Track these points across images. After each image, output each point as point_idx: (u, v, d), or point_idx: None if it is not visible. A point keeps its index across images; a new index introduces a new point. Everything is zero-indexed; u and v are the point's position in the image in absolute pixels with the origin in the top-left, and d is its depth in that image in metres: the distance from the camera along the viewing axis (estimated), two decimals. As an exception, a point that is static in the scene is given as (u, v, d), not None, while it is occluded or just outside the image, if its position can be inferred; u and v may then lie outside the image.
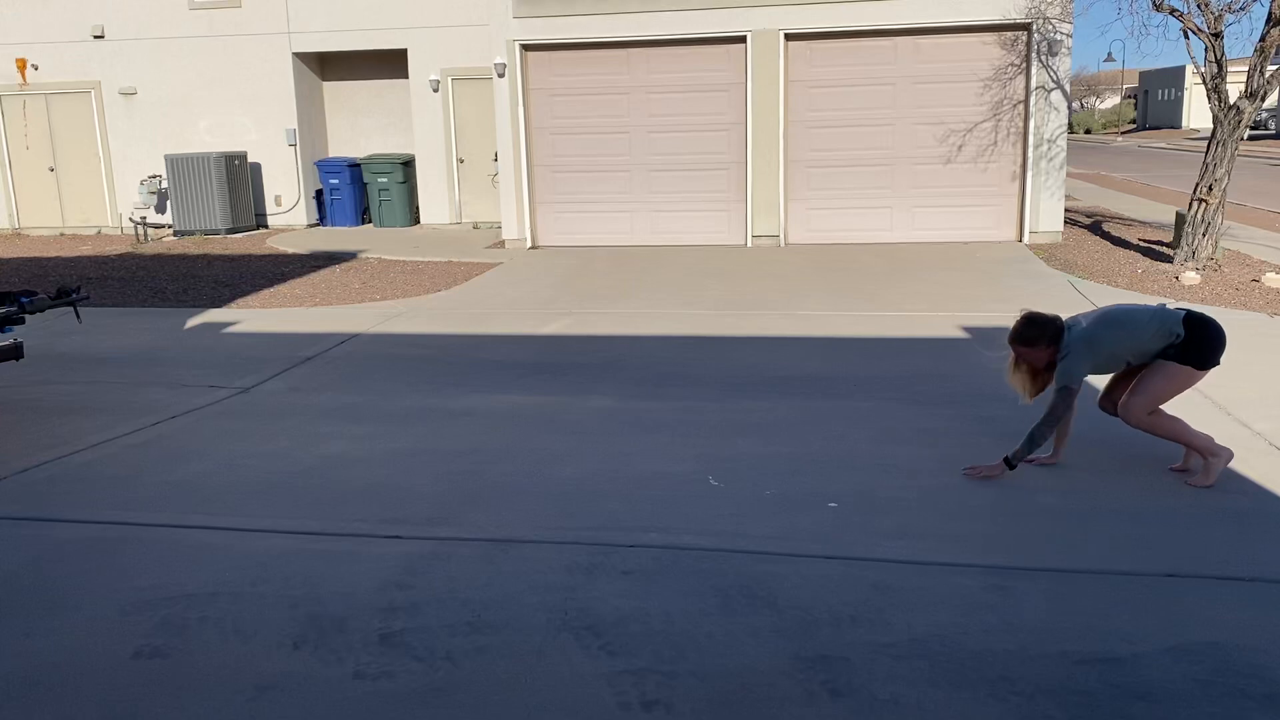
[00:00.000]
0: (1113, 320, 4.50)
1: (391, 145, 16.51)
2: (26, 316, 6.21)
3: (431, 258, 12.38)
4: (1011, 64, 11.92)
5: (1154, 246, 11.47)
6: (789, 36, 12.17)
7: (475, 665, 3.10)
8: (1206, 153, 10.04)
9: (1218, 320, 4.55)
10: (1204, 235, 9.88)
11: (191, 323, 8.99)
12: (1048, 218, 12.09)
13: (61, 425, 5.84)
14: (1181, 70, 56.61)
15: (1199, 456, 4.54)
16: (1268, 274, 9.24)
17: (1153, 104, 64.59)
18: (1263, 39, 9.48)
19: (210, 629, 3.36)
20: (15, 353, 5.99)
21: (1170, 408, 4.58)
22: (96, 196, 16.75)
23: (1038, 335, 4.49)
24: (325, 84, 16.58)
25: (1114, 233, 12.96)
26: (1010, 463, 4.53)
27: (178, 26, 15.74)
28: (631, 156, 12.90)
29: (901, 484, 4.60)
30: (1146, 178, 24.04)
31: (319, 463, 5.09)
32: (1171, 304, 4.52)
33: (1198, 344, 4.41)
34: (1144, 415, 4.50)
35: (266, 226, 16.42)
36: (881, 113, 12.30)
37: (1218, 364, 4.50)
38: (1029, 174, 12.01)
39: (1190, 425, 4.58)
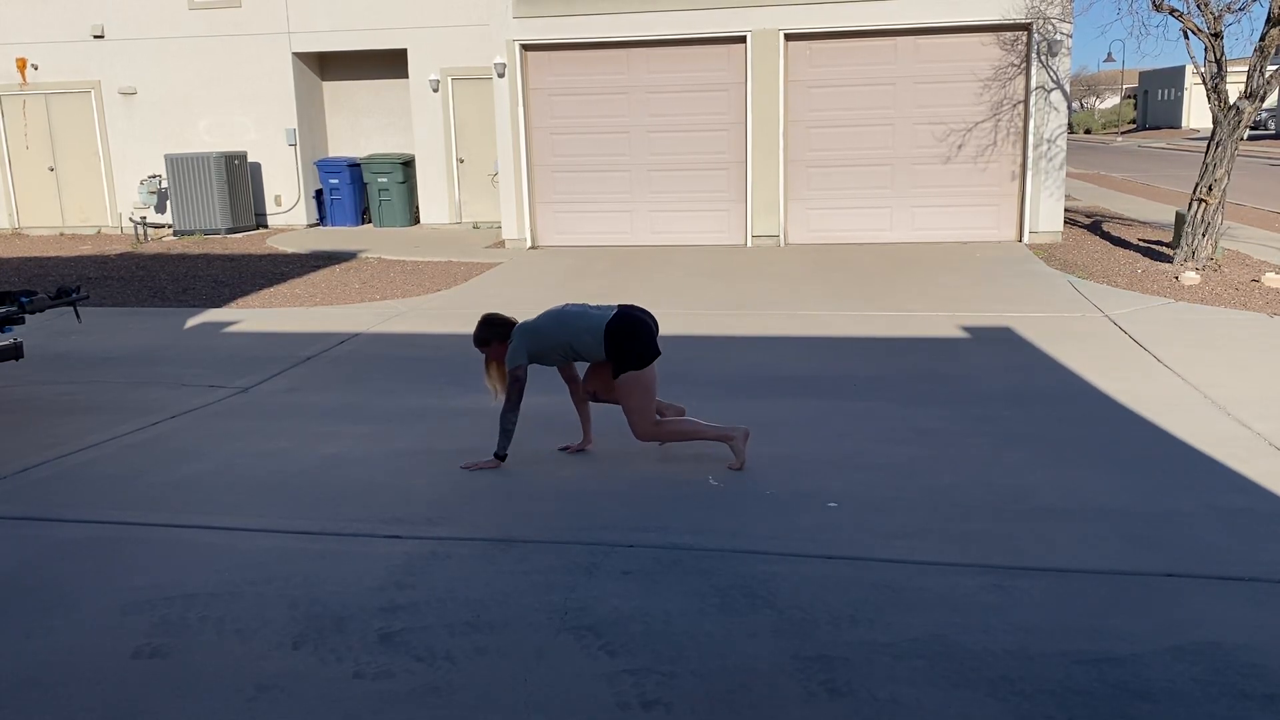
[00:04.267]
0: (555, 316, 4.87)
1: (391, 145, 16.51)
2: (26, 316, 6.22)
3: (431, 258, 12.37)
4: (1011, 64, 11.92)
5: (1154, 246, 11.47)
6: (789, 36, 12.16)
7: (475, 665, 3.10)
8: (1206, 153, 10.04)
9: (649, 316, 4.82)
10: (1204, 235, 9.88)
11: (191, 322, 8.99)
12: (1047, 218, 12.09)
13: (61, 425, 5.84)
14: (1181, 70, 56.62)
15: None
16: (1268, 274, 9.24)
17: (1153, 104, 64.58)
18: (1263, 39, 9.48)
19: (210, 629, 3.36)
20: (15, 352, 6.00)
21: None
22: (96, 196, 16.75)
23: (491, 335, 4.96)
24: (325, 84, 16.58)
25: (1114, 233, 12.96)
26: (499, 455, 4.89)
27: (177, 26, 15.74)
28: (631, 156, 12.89)
29: (901, 484, 4.60)
30: (1146, 178, 24.04)
31: (319, 463, 5.10)
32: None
33: (621, 351, 4.71)
34: (650, 430, 4.79)
35: (266, 226, 16.42)
36: (881, 112, 12.30)
37: (658, 353, 4.78)
38: (1029, 174, 12.01)
39: (695, 420, 4.93)
